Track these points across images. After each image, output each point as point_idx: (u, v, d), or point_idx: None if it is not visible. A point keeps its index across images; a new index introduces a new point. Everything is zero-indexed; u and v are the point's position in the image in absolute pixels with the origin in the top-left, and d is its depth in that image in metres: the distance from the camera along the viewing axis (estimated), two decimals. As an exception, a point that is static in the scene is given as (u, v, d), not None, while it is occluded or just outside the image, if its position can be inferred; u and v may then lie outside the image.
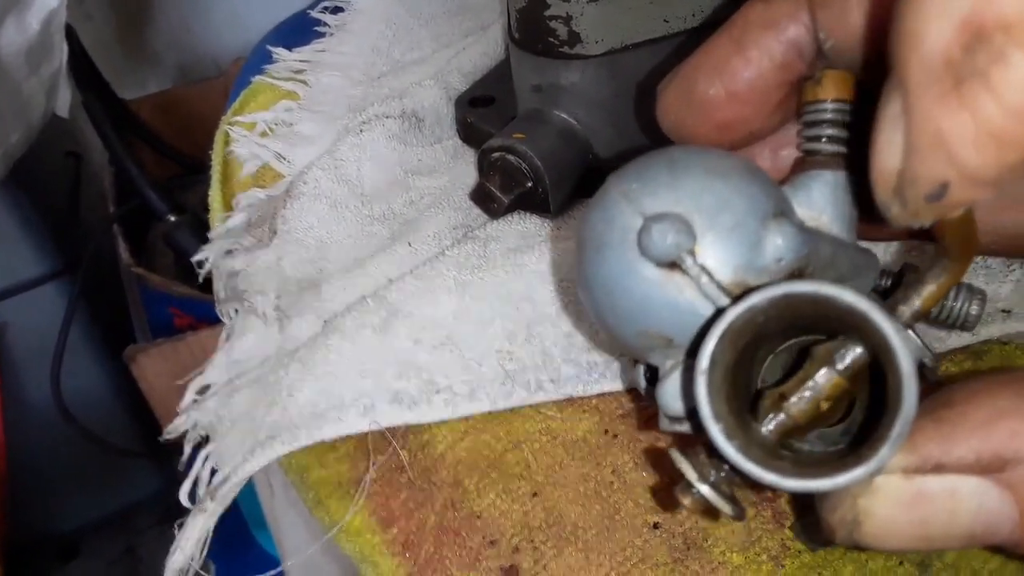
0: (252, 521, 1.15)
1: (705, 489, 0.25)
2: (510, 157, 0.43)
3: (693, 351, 0.26)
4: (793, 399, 0.25)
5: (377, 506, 0.37)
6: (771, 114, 0.30)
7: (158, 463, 1.40)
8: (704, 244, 0.25)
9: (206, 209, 1.20)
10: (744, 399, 0.27)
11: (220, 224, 0.51)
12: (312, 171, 0.48)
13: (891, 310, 0.25)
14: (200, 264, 0.48)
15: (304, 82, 0.59)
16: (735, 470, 0.25)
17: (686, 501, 0.26)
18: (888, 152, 0.22)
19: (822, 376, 0.25)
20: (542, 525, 0.33)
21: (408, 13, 0.64)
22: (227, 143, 0.57)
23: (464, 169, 0.50)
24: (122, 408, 1.34)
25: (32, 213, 1.24)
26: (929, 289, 0.25)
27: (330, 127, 0.54)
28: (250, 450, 0.36)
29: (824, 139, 0.29)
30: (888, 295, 0.27)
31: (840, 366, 0.25)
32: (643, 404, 0.36)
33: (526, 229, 0.44)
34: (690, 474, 0.26)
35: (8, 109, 1.00)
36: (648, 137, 0.44)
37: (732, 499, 0.26)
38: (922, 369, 0.27)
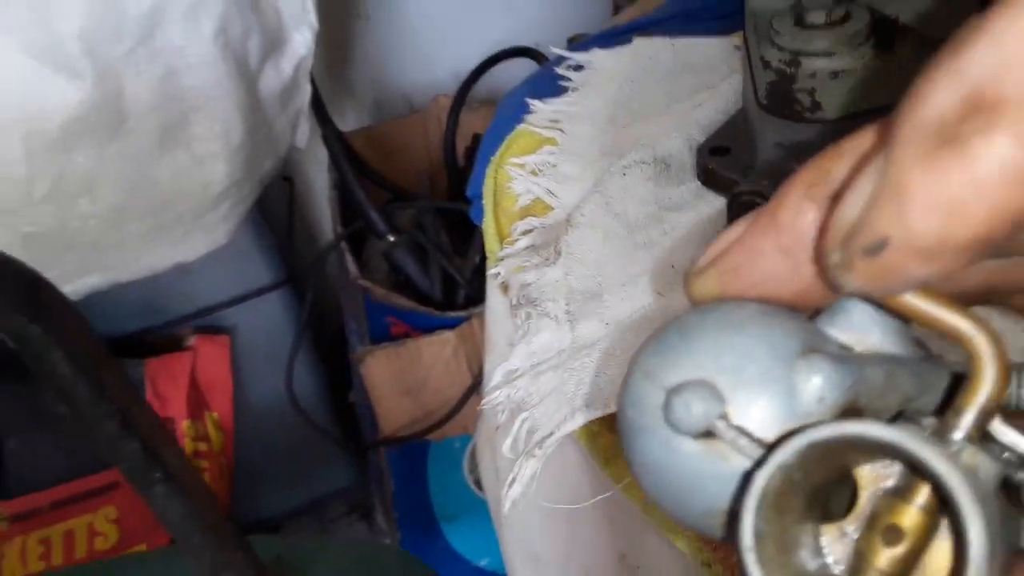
0: (441, 515, 1.28)
1: None
2: (759, 200, 0.54)
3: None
4: (862, 538, 0.22)
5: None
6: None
7: (354, 458, 1.55)
8: (736, 404, 0.22)
9: (419, 228, 1.34)
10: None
11: (508, 246, 0.63)
12: (587, 205, 0.60)
13: (945, 430, 0.23)
14: (496, 276, 0.61)
15: (561, 130, 0.71)
16: None
17: None
18: (851, 203, 0.22)
19: (888, 509, 0.23)
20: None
21: (643, 71, 0.75)
22: (497, 180, 0.70)
23: (705, 208, 0.61)
24: (327, 406, 1.49)
25: (262, 229, 1.42)
26: (977, 389, 0.23)
27: (589, 168, 0.66)
28: (570, 413, 0.48)
29: None
30: None
31: (919, 501, 0.23)
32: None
33: (769, 258, 0.54)
34: None
35: (264, 142, 1.17)
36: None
37: None
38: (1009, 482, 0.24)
